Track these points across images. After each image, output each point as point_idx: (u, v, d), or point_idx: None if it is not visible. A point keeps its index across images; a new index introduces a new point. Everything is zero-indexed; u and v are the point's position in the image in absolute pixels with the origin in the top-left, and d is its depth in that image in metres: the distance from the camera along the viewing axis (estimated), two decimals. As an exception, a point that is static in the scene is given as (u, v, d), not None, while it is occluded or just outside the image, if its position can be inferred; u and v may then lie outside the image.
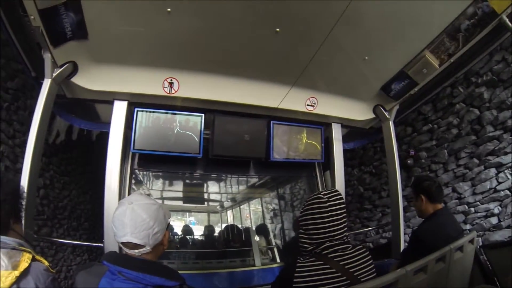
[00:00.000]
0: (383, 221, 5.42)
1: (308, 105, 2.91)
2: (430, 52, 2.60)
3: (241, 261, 3.72)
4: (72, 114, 2.83)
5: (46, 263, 1.44)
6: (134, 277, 1.22)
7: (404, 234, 2.95)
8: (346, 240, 1.69)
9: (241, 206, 5.22)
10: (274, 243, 4.19)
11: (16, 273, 1.25)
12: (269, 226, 4.65)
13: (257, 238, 4.02)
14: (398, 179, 2.97)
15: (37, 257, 1.42)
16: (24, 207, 1.51)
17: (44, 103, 2.15)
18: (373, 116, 3.12)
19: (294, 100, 2.82)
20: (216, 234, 4.92)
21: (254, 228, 4.41)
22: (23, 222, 1.53)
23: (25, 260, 1.31)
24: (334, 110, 3.04)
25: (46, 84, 2.16)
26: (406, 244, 2.69)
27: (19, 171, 2.24)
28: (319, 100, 2.92)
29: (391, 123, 3.07)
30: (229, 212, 5.59)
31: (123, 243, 1.31)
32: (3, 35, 3.95)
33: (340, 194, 1.73)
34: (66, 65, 2.22)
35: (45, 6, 1.83)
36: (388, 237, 5.30)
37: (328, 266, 1.58)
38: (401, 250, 2.82)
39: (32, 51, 2.19)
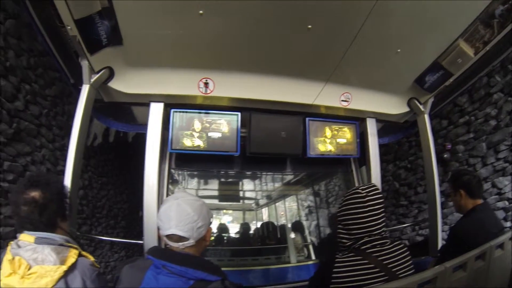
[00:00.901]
0: (420, 217, 5.28)
1: (342, 100, 2.85)
2: (464, 41, 2.47)
3: (276, 258, 3.71)
4: (109, 117, 2.88)
5: (92, 258, 1.55)
6: (178, 271, 1.24)
7: (442, 231, 2.82)
8: (384, 235, 1.67)
9: (276, 204, 5.22)
10: (309, 240, 4.17)
11: (64, 267, 1.34)
12: (304, 223, 4.60)
13: (292, 235, 4.01)
14: (435, 174, 2.85)
15: (83, 253, 1.53)
16: (69, 206, 1.58)
17: (84, 108, 2.22)
18: (407, 109, 3.02)
19: (329, 96, 2.77)
20: (251, 231, 4.96)
21: (289, 225, 4.40)
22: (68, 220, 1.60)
23: (72, 255, 1.42)
24: (368, 104, 2.96)
25: (85, 89, 2.22)
26: (444, 242, 2.56)
27: (59, 173, 2.33)
28: (353, 95, 2.86)
29: (426, 116, 2.95)
30: (264, 210, 5.59)
31: (168, 236, 1.33)
32: (40, 46, 4.21)
33: (378, 189, 1.71)
34: (103, 70, 2.28)
35: (81, 16, 1.87)
36: (425, 234, 5.16)
37: (366, 261, 1.57)
38: (439, 248, 2.72)
39: (70, 59, 2.28)
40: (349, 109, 2.91)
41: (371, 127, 3.06)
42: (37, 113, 4.23)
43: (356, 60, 2.48)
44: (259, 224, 4.96)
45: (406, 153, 5.52)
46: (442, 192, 2.97)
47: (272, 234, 4.22)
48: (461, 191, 2.31)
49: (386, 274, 1.56)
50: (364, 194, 1.64)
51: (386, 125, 3.31)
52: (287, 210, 5.09)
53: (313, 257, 3.86)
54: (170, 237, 1.33)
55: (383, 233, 1.66)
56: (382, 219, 1.65)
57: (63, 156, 4.73)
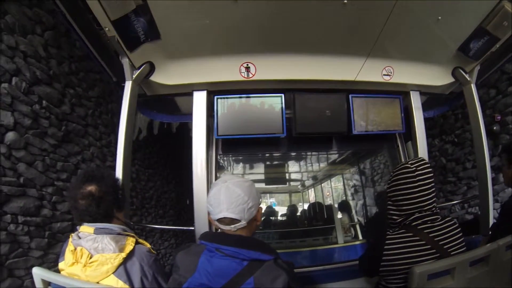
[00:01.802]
0: (469, 194, 5.03)
1: (384, 74, 2.74)
2: (509, 2, 2.25)
3: (324, 239, 3.67)
4: (153, 110, 2.93)
5: (148, 245, 1.60)
6: (231, 252, 1.26)
7: (493, 209, 2.65)
8: (435, 211, 1.64)
9: (322, 184, 5.16)
10: (356, 220, 4.11)
11: (123, 254, 1.41)
12: (350, 203, 4.54)
13: (339, 215, 3.97)
14: (484, 148, 2.69)
15: (140, 240, 1.59)
16: (123, 197, 1.66)
17: (128, 104, 2.27)
18: (452, 80, 2.85)
19: (370, 71, 2.67)
20: (298, 213, 4.94)
21: (336, 206, 4.35)
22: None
23: (129, 243, 1.48)
24: (411, 77, 2.83)
25: (128, 86, 2.27)
26: (495, 220, 2.41)
27: (108, 169, 2.43)
28: (395, 69, 2.74)
29: (472, 86, 2.77)
30: (310, 191, 5.56)
31: (219, 220, 1.35)
32: (80, 52, 4.32)
33: (427, 163, 1.68)
34: (144, 66, 2.31)
35: (117, 17, 1.91)
36: (475, 212, 4.95)
37: (417, 238, 1.56)
38: (490, 226, 2.56)
39: (110, 59, 2.33)
40: (391, 83, 2.79)
41: (415, 101, 2.92)
42: (83, 114, 4.44)
43: (396, 32, 2.36)
44: (305, 206, 4.95)
45: (453, 126, 5.25)
46: (492, 167, 2.80)
47: (319, 215, 4.18)
48: None
49: (437, 251, 1.54)
50: (414, 168, 1.63)
51: (431, 97, 3.15)
52: (333, 190, 5.03)
53: (360, 237, 3.81)
54: (222, 220, 1.34)
55: (434, 208, 1.64)
56: (433, 194, 1.62)
57: (111, 152, 5.00)
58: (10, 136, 3.25)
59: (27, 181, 3.47)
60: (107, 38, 2.04)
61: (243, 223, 1.32)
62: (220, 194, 1.33)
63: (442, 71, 2.85)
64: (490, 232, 2.41)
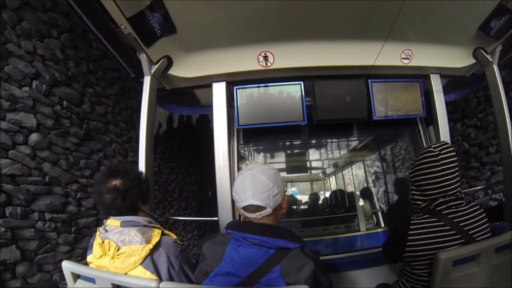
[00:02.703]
0: (492, 180, 4.84)
1: (403, 58, 2.63)
2: None
3: (346, 227, 3.61)
4: (173, 103, 2.91)
5: (174, 236, 1.59)
6: (258, 241, 1.24)
7: None
8: (459, 196, 1.58)
9: (343, 172, 5.11)
10: (378, 207, 4.05)
11: (150, 246, 1.40)
12: (372, 190, 4.46)
13: (361, 202, 3.92)
14: (508, 131, 2.52)
15: (166, 231, 1.57)
16: (147, 190, 1.64)
17: (148, 99, 2.23)
18: (473, 61, 2.71)
19: (389, 55, 2.55)
20: (320, 201, 4.90)
21: (357, 193, 4.30)
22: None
23: (155, 235, 1.47)
24: (431, 60, 2.71)
25: (147, 81, 2.23)
26: None
27: (130, 164, 2.45)
28: (414, 52, 2.62)
29: (495, 67, 2.61)
30: (331, 179, 5.51)
31: (244, 208, 1.32)
32: (96, 51, 4.33)
33: (451, 147, 1.61)
34: (161, 60, 2.26)
35: (132, 14, 1.87)
36: (499, 199, 4.77)
37: (442, 223, 1.52)
38: None
39: (128, 56, 2.30)
40: (411, 67, 2.68)
41: (436, 84, 2.79)
42: (103, 112, 4.50)
43: (414, 14, 2.24)
44: (327, 194, 4.92)
45: (475, 110, 5.01)
46: (517, 152, 2.67)
47: (340, 202, 4.14)
48: None
49: (462, 236, 1.49)
50: (437, 152, 1.57)
51: (452, 80, 3.02)
52: (354, 178, 4.97)
53: (383, 224, 3.74)
54: (247, 208, 1.31)
55: (458, 193, 1.57)
56: (457, 179, 1.56)
57: (132, 148, 5.08)
58: (33, 137, 3.32)
59: (52, 179, 3.54)
60: (123, 35, 1.99)
61: (268, 210, 1.29)
62: (245, 182, 1.31)
63: (463, 52, 2.71)
64: None
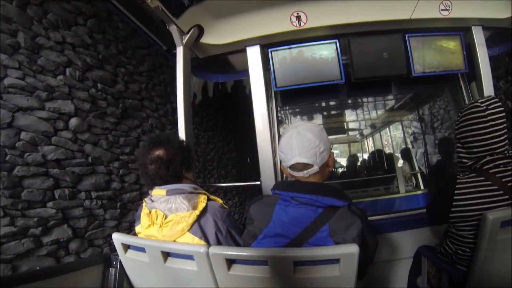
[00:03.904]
0: None
1: (442, 10, 2.38)
2: None
3: (385, 188, 3.53)
4: (207, 71, 2.86)
5: (220, 201, 1.55)
6: (307, 200, 1.19)
7: None
8: (508, 154, 1.47)
9: (381, 133, 4.96)
10: (417, 169, 3.89)
11: (197, 212, 1.38)
12: (411, 150, 4.28)
13: (400, 164, 3.79)
14: None
15: (212, 197, 1.54)
16: (190, 157, 1.60)
17: (183, 69, 2.20)
18: None
19: (427, 7, 2.34)
20: (358, 163, 4.82)
21: (396, 154, 4.17)
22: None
23: (202, 201, 1.44)
24: (472, 11, 2.46)
25: (179, 52, 2.19)
26: None
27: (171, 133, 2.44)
28: (453, 2, 2.38)
29: None
30: (369, 140, 5.39)
31: (291, 167, 1.26)
32: (123, 32, 4.30)
33: (499, 102, 1.47)
34: (192, 29, 2.20)
35: None
36: None
37: (489, 182, 1.41)
38: None
39: (158, 29, 2.24)
40: (450, 19, 2.44)
41: (478, 37, 2.54)
42: (137, 89, 4.51)
43: None
44: (365, 155, 4.81)
45: None
46: None
47: (379, 164, 4.05)
48: None
49: (510, 197, 1.38)
50: (484, 107, 1.45)
51: (495, 33, 2.72)
52: (391, 139, 4.81)
53: (422, 186, 3.61)
54: (294, 166, 1.25)
55: (506, 151, 1.46)
56: (505, 136, 1.44)
57: (169, 121, 5.12)
58: (73, 122, 3.37)
59: (94, 159, 3.60)
60: (151, 10, 1.93)
61: (315, 168, 1.23)
62: (291, 140, 1.24)
63: (507, 1, 2.43)
64: None
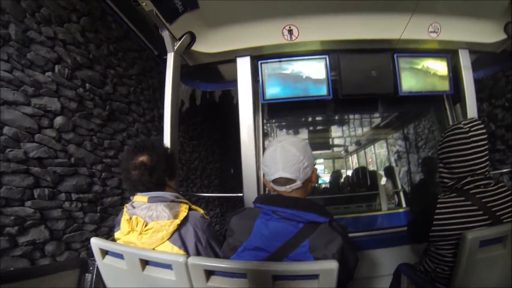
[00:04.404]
0: None
1: (431, 32, 2.47)
2: None
3: (367, 205, 3.57)
4: (197, 79, 2.87)
5: (202, 211, 1.54)
6: (288, 215, 1.20)
7: None
8: (488, 175, 1.52)
9: (365, 150, 5.03)
10: (400, 187, 3.96)
11: (177, 221, 1.37)
12: (394, 168, 4.35)
13: (383, 181, 3.86)
14: None
15: (193, 206, 1.53)
16: (174, 165, 1.61)
17: (172, 75, 2.19)
18: (504, 36, 2.52)
19: (416, 28, 2.41)
20: (342, 179, 4.86)
21: (380, 172, 4.23)
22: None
23: (183, 210, 1.43)
24: (459, 34, 2.54)
25: (170, 57, 2.19)
26: None
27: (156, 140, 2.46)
28: (442, 25, 2.46)
29: None
30: (353, 157, 5.47)
31: (274, 181, 1.28)
32: (116, 33, 4.27)
33: (481, 124, 1.52)
34: (184, 36, 2.21)
35: None
36: None
37: (469, 203, 1.45)
38: None
39: (150, 33, 2.26)
40: (439, 41, 2.53)
41: (464, 59, 2.62)
42: (125, 92, 4.50)
43: None
44: (349, 172, 4.88)
45: (504, 89, 4.64)
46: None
47: (362, 181, 4.11)
48: None
49: (489, 217, 1.43)
50: (467, 129, 1.49)
51: (480, 57, 2.83)
52: (376, 156, 4.89)
53: (404, 204, 3.68)
54: (277, 181, 1.27)
55: (487, 172, 1.51)
56: (486, 157, 1.49)
57: (155, 127, 5.09)
58: (58, 120, 3.33)
59: (77, 160, 3.56)
60: (145, 13, 1.94)
61: (298, 183, 1.25)
62: (275, 154, 1.26)
63: (494, 26, 2.52)
64: None
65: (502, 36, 2.54)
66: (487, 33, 2.56)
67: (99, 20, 4.03)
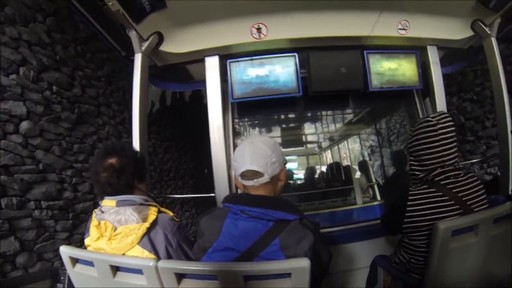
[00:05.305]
0: (488, 154, 4.81)
1: (400, 29, 2.55)
2: None
3: (343, 200, 3.65)
4: (166, 80, 2.86)
5: (171, 213, 1.55)
6: (257, 213, 1.21)
7: None
8: (457, 166, 1.59)
9: (339, 145, 5.13)
10: (374, 180, 4.06)
11: (146, 224, 1.38)
12: (368, 163, 4.46)
13: (357, 175, 3.95)
14: (505, 105, 2.51)
15: (162, 209, 1.55)
16: (143, 168, 1.63)
17: (140, 76, 2.20)
18: (471, 33, 2.65)
19: (385, 25, 2.50)
20: (316, 175, 4.94)
21: (353, 166, 4.33)
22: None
23: (152, 213, 1.45)
24: (428, 31, 2.64)
25: (138, 58, 2.19)
26: None
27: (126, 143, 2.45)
28: (411, 22, 2.55)
29: (493, 40, 2.56)
30: (327, 153, 5.56)
31: (242, 175, 1.30)
32: (83, 33, 4.17)
33: (449, 116, 1.59)
34: (152, 36, 2.22)
35: None
36: (494, 173, 4.77)
37: (440, 193, 1.51)
38: (511, 187, 2.46)
39: (117, 34, 2.26)
40: (408, 38, 2.62)
41: (433, 55, 2.73)
42: (95, 94, 4.42)
43: None
44: (323, 168, 4.96)
45: (472, 83, 4.92)
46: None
47: (337, 176, 4.19)
48: None
49: (460, 207, 1.50)
50: (435, 122, 1.56)
51: (449, 53, 2.95)
52: (349, 152, 5.01)
53: (379, 197, 3.78)
54: (245, 174, 1.29)
55: (456, 164, 1.58)
56: (455, 149, 1.56)
57: (125, 129, 5.01)
58: (24, 125, 3.24)
59: (46, 166, 3.47)
60: (111, 13, 1.93)
61: (266, 177, 1.26)
62: (244, 149, 1.30)
63: (461, 24, 2.65)
64: (511, 192, 2.34)
65: (469, 33, 2.67)
66: (454, 30, 2.67)
67: (66, 20, 3.94)
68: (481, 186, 1.58)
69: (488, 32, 2.58)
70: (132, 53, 2.23)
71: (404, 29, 2.56)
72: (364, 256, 2.34)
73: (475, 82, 4.86)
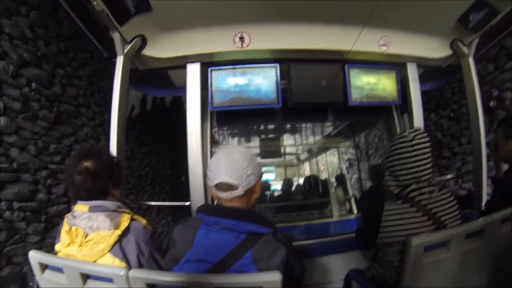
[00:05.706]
0: (464, 170, 4.94)
1: (381, 45, 2.63)
2: None
3: (319, 213, 3.70)
4: (146, 84, 2.86)
5: (144, 221, 1.56)
6: (229, 225, 1.22)
7: (487, 185, 2.62)
8: (432, 182, 1.63)
9: (317, 158, 5.18)
10: (351, 194, 4.12)
11: (118, 232, 1.37)
12: (346, 176, 4.51)
13: (335, 188, 4.00)
14: (480, 123, 2.63)
15: (135, 216, 1.54)
16: (119, 173, 1.61)
17: (121, 79, 2.21)
18: (450, 52, 2.75)
19: (367, 41, 2.56)
20: (293, 187, 4.96)
21: (331, 179, 4.38)
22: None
23: (125, 220, 1.44)
24: (408, 48, 2.73)
25: (119, 61, 2.20)
26: (488, 196, 2.41)
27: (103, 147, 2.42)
28: (392, 39, 2.63)
29: (470, 59, 2.68)
30: (305, 165, 5.60)
31: (216, 186, 1.28)
32: (68, 31, 4.12)
33: (425, 133, 1.63)
34: (135, 39, 2.22)
35: None
36: (468, 188, 4.87)
37: (414, 209, 1.55)
38: (484, 202, 2.55)
39: (101, 34, 2.29)
40: (388, 54, 2.69)
41: (412, 72, 2.83)
42: (75, 94, 4.32)
43: (395, 1, 2.26)
44: (301, 180, 4.99)
45: (449, 100, 5.05)
46: (488, 143, 2.77)
47: (314, 189, 4.22)
48: None
49: (434, 222, 1.54)
50: (411, 138, 1.60)
51: (428, 70, 3.05)
52: (328, 164, 5.06)
53: (355, 211, 3.83)
54: (219, 186, 1.28)
55: (431, 179, 1.61)
56: (430, 165, 1.59)
57: (104, 132, 4.92)
58: (0, 121, 3.17)
59: (20, 166, 3.39)
60: (96, 12, 1.93)
61: (240, 190, 1.26)
62: (220, 160, 1.29)
63: (440, 43, 2.75)
64: (484, 208, 2.38)
65: (448, 52, 2.78)
66: (434, 49, 2.77)
67: (50, 16, 3.88)
68: (455, 202, 1.63)
69: (466, 52, 2.70)
70: (114, 55, 2.23)
71: (385, 45, 2.64)
72: (339, 269, 2.37)
73: (453, 99, 5.01)
